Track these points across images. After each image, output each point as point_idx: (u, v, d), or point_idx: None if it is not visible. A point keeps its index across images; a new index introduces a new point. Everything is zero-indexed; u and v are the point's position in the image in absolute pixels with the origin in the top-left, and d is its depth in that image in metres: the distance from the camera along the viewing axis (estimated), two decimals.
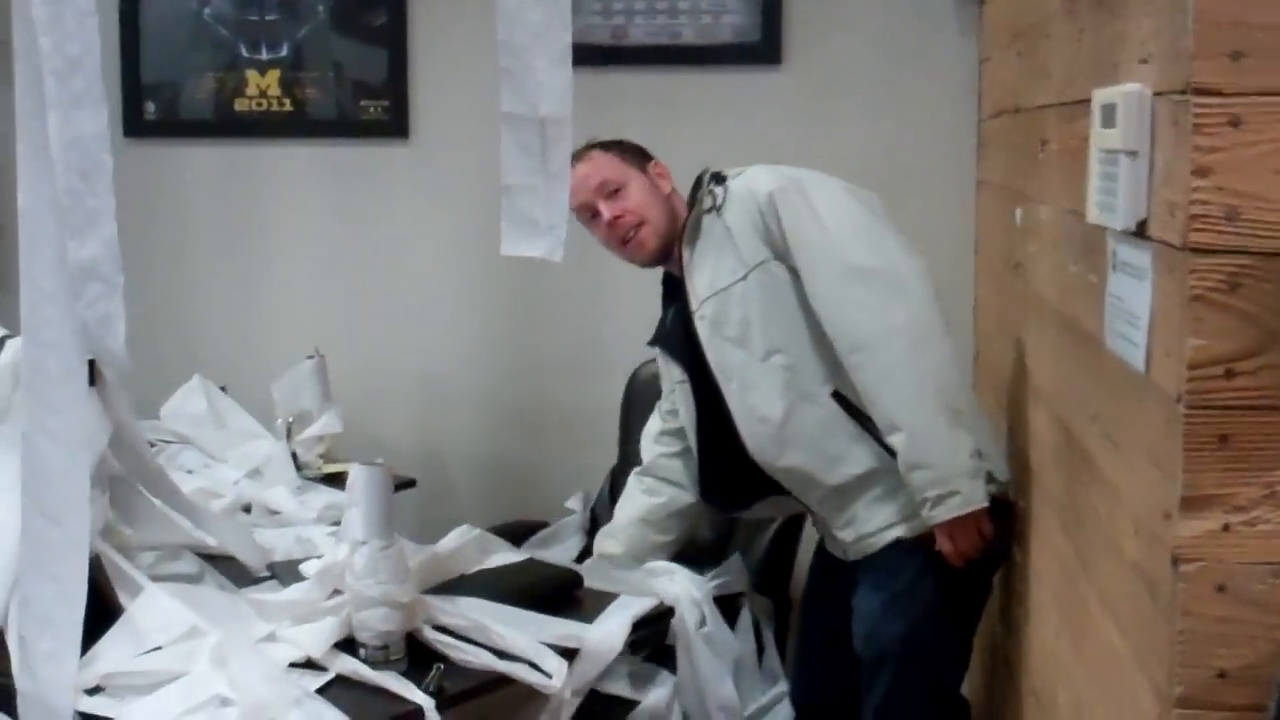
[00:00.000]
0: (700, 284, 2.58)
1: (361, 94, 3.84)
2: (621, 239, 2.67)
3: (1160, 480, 1.49)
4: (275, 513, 3.01)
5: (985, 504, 2.39)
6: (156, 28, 3.89)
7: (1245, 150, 1.39)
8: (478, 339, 3.84)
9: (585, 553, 3.12)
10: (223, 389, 3.51)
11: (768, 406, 2.53)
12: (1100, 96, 1.72)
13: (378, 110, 3.83)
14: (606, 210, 2.65)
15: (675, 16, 3.68)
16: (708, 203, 2.59)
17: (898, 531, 2.51)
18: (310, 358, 3.43)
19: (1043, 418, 2.34)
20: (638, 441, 3.11)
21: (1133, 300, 1.62)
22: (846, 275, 2.43)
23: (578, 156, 2.62)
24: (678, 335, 2.71)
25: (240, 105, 3.89)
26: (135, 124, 3.92)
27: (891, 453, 2.42)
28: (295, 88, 3.87)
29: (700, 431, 2.71)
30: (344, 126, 3.85)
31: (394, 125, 3.82)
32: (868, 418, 2.46)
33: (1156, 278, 1.53)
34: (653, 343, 2.85)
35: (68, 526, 2.14)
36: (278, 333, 3.86)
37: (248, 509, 3.02)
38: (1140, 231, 1.59)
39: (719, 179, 2.62)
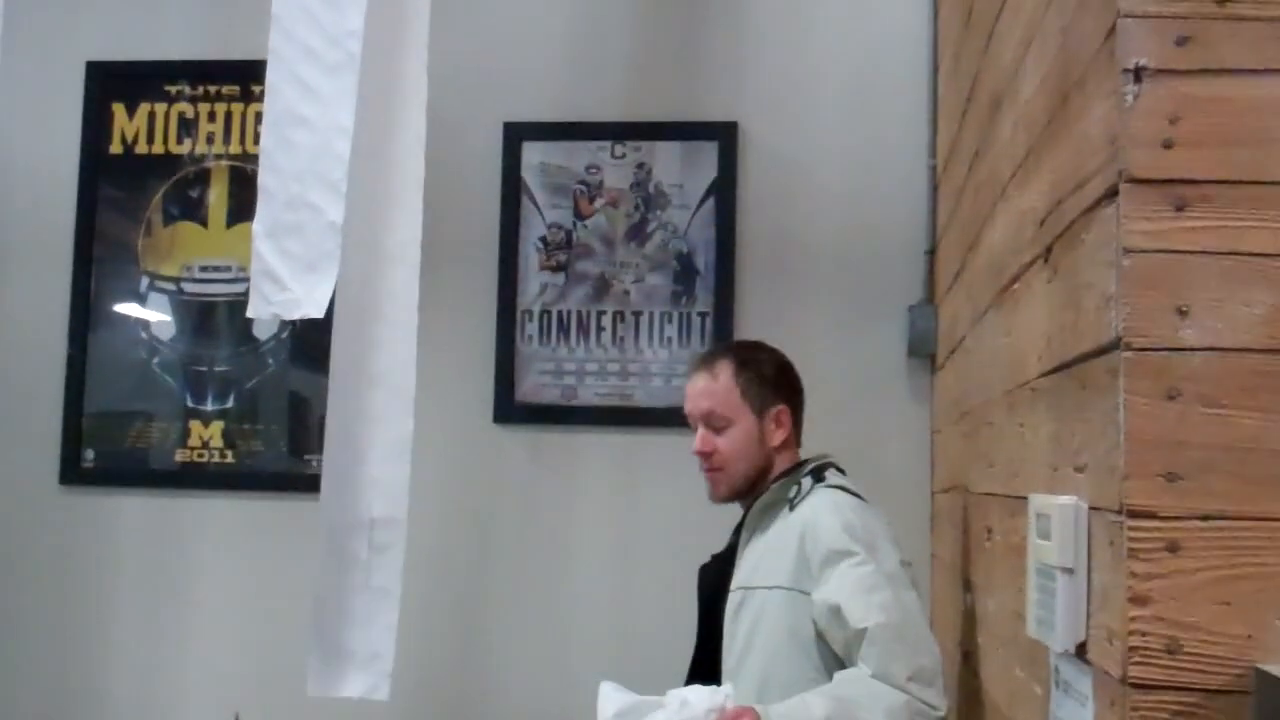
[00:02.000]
0: (745, 566, 2.49)
1: (307, 448, 3.78)
2: (701, 466, 2.61)
3: None
4: None
5: None
6: (101, 376, 3.85)
7: (1185, 578, 1.30)
8: (415, 699, 3.65)
9: None
10: None
11: None
12: (1036, 504, 1.63)
13: (319, 464, 3.75)
14: (699, 441, 2.59)
15: (625, 379, 3.66)
16: (792, 491, 2.49)
17: None
18: None
19: None
20: None
21: None
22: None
23: (709, 363, 2.61)
24: (714, 571, 2.61)
25: (181, 456, 3.81)
26: (72, 471, 3.83)
27: None
28: (238, 439, 3.80)
29: (693, 663, 2.59)
30: (285, 480, 3.76)
31: None
32: None
33: (1099, 708, 1.41)
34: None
35: None
36: (199, 694, 3.67)
37: None
38: (1081, 653, 1.48)
39: (819, 478, 2.52)
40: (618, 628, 3.57)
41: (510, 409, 3.69)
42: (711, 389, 2.57)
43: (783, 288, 3.63)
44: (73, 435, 3.84)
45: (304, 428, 3.80)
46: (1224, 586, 1.30)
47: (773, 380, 2.61)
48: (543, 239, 3.73)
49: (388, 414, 1.86)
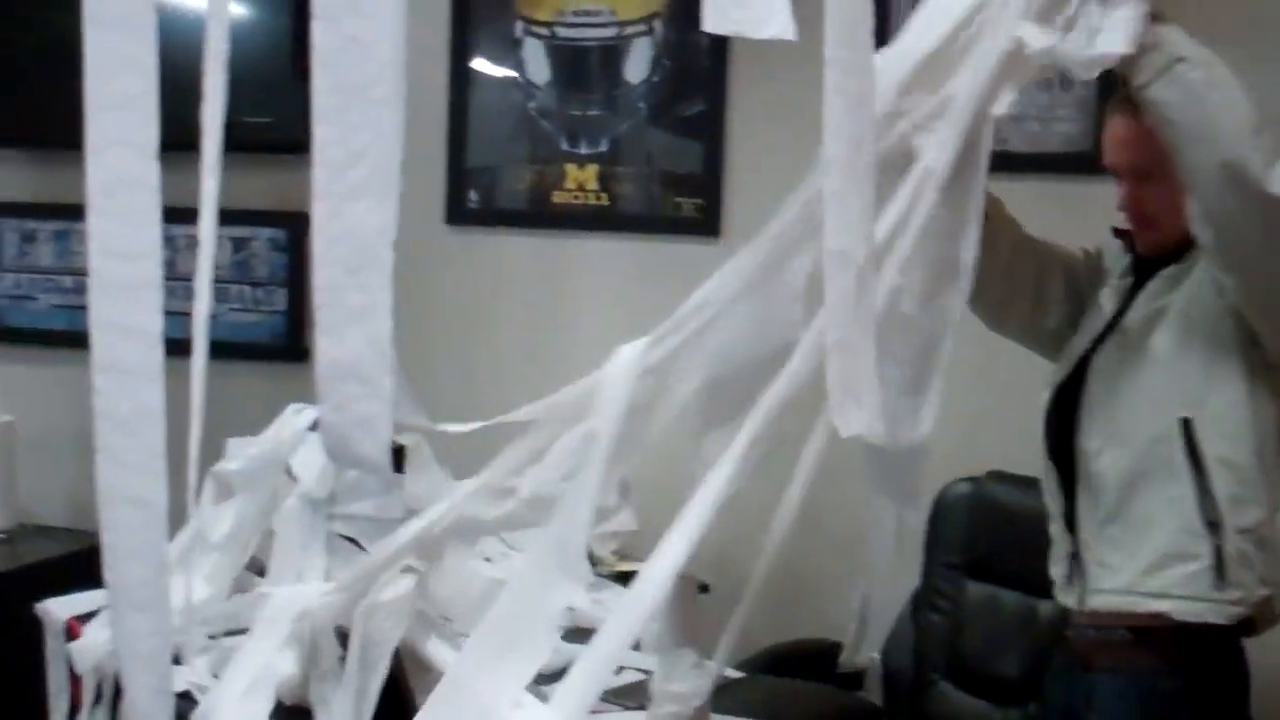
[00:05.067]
0: (1138, 311, 2.33)
1: (676, 190, 3.84)
2: (1127, 217, 2.39)
3: None
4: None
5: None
6: (482, 119, 3.99)
7: None
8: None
9: None
10: None
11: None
12: None
13: (691, 208, 3.82)
14: (1121, 193, 2.35)
15: None
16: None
17: (1165, 606, 2.18)
18: None
19: None
20: (941, 564, 2.98)
21: None
22: None
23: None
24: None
25: (558, 198, 3.94)
26: (458, 212, 4.02)
27: (1211, 524, 2.16)
28: (612, 182, 3.90)
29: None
30: (656, 223, 3.86)
31: (706, 223, 3.80)
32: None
33: None
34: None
35: None
36: None
37: None
38: None
39: None
40: None
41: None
42: (1136, 141, 2.26)
43: None
44: (457, 178, 4.01)
45: (673, 172, 3.85)
46: None
47: None
48: None
49: None
